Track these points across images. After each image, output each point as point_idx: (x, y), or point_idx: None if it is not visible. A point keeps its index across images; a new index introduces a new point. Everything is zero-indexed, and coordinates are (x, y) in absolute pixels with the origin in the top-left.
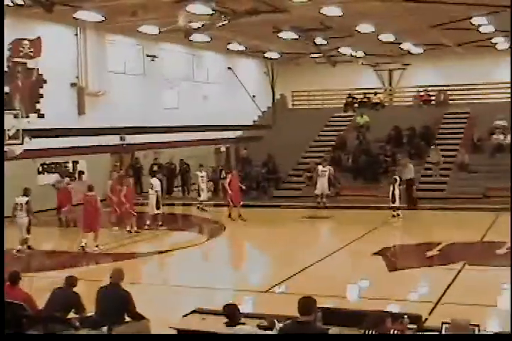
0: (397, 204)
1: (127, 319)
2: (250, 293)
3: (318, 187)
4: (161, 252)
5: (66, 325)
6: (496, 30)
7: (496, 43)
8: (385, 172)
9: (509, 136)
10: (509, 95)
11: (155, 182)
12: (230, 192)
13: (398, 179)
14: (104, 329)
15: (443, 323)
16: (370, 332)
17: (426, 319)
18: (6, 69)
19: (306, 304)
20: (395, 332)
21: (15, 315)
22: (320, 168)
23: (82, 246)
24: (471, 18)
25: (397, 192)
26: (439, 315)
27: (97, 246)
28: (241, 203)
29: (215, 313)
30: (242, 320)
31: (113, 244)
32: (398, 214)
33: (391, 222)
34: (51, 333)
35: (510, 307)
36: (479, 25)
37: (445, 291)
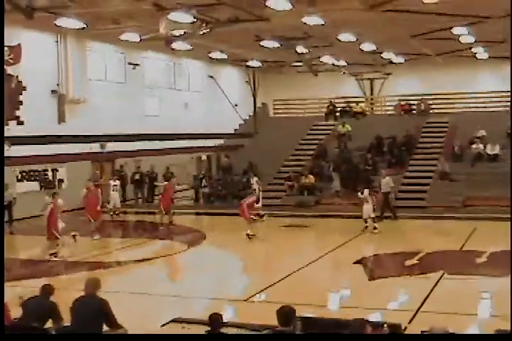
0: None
1: (105, 328)
2: (230, 301)
3: None
4: (140, 261)
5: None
6: (475, 41)
7: (476, 53)
8: (366, 182)
9: (488, 146)
10: (488, 104)
11: None
12: (167, 199)
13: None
14: None
15: (422, 332)
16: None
17: (405, 327)
18: None
19: (285, 313)
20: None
21: None
22: None
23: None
24: (451, 28)
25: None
26: (419, 323)
27: (51, 254)
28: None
29: (194, 322)
30: (222, 329)
31: (92, 252)
32: (374, 227)
33: (372, 232)
34: (51, 333)
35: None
36: (459, 35)
37: (424, 300)
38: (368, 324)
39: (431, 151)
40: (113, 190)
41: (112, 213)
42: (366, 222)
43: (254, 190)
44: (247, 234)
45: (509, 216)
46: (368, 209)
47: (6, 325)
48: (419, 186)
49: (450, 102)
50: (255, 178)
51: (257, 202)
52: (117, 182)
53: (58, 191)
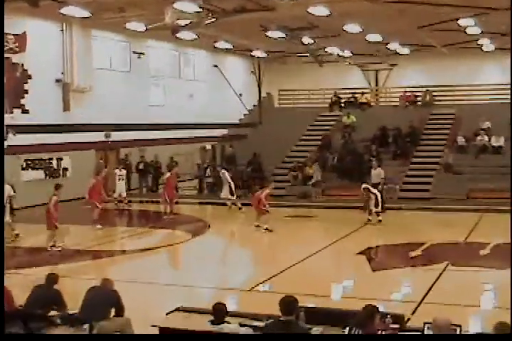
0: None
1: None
2: (234, 291)
3: None
4: (144, 250)
5: (46, 322)
6: (482, 32)
7: (482, 45)
8: (370, 173)
9: (493, 138)
10: (494, 97)
11: None
12: (171, 189)
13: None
14: (85, 326)
15: (425, 323)
16: (356, 330)
17: (408, 319)
18: None
19: (288, 303)
20: (382, 332)
21: None
22: None
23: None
24: (458, 19)
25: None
26: (422, 315)
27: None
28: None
29: (199, 311)
30: (226, 318)
31: (96, 241)
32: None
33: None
34: (50, 333)
35: (492, 306)
36: (466, 27)
37: (428, 291)
38: (377, 310)
39: (435, 143)
40: (119, 180)
41: (116, 202)
42: (369, 215)
43: (229, 182)
44: (266, 228)
45: None
46: (370, 202)
47: (9, 311)
48: (423, 178)
49: (455, 94)
50: (223, 170)
51: (231, 193)
52: (123, 172)
53: (63, 180)
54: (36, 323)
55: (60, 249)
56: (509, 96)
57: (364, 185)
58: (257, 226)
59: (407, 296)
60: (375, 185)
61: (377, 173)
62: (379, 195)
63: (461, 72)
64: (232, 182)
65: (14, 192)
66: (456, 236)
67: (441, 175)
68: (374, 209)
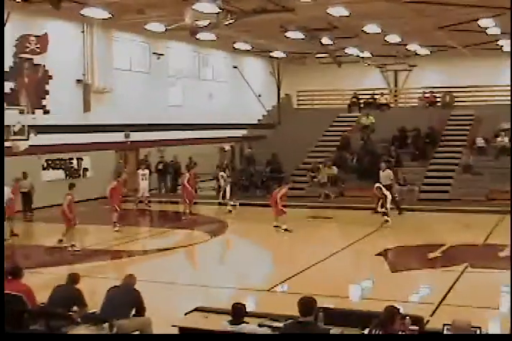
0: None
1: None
2: (252, 291)
3: None
4: (164, 250)
5: (67, 321)
6: (502, 33)
7: (502, 46)
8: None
9: None
10: None
11: None
12: (190, 189)
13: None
14: (105, 325)
15: (444, 325)
16: (376, 331)
17: (427, 321)
18: (12, 64)
19: (306, 304)
20: (401, 333)
21: (13, 306)
22: None
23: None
24: (477, 19)
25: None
26: (441, 316)
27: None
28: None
29: (217, 312)
30: (245, 318)
31: (116, 241)
32: (386, 220)
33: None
34: (51, 332)
35: (510, 308)
36: (486, 27)
37: (447, 293)
38: (399, 314)
39: (455, 144)
40: (142, 179)
41: (137, 202)
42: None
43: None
44: (285, 229)
45: None
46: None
47: (32, 309)
48: (443, 179)
49: (475, 95)
50: (221, 173)
51: (224, 196)
52: (146, 172)
53: (83, 180)
54: (57, 321)
55: (71, 248)
56: None
57: (377, 185)
58: (276, 226)
59: (426, 298)
60: (385, 187)
61: (385, 175)
62: (389, 197)
63: (480, 72)
64: (228, 186)
65: (34, 191)
66: (475, 237)
67: (461, 176)
68: (380, 210)
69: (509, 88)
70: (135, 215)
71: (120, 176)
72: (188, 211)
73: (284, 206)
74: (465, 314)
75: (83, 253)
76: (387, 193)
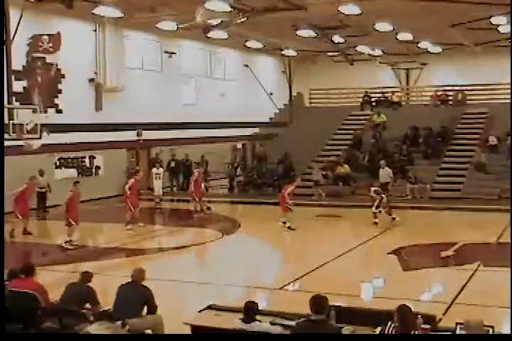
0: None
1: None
2: (264, 290)
3: None
4: (175, 248)
5: (80, 318)
6: None
7: None
8: (400, 172)
9: None
10: None
11: None
12: (201, 188)
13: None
14: (118, 323)
15: (457, 324)
16: (389, 330)
17: (440, 319)
18: (24, 63)
19: (319, 302)
20: (414, 332)
21: (26, 304)
22: None
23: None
24: (490, 17)
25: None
26: (453, 315)
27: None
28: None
29: (230, 310)
30: (257, 317)
31: (129, 239)
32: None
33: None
34: (64, 330)
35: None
36: (498, 25)
37: (459, 292)
38: (411, 313)
39: (467, 142)
40: (156, 178)
41: (158, 200)
42: (390, 215)
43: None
44: (288, 227)
45: None
46: (374, 203)
47: (46, 306)
48: (455, 177)
49: (487, 93)
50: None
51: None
52: (160, 170)
53: (96, 179)
54: (70, 319)
55: (65, 245)
56: None
57: (373, 189)
58: (284, 222)
59: (439, 296)
60: (384, 185)
61: (385, 173)
62: (385, 199)
63: (493, 70)
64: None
65: (50, 190)
66: (487, 236)
67: (473, 174)
68: (374, 210)
69: None
70: (147, 213)
71: (137, 174)
72: (199, 209)
73: (288, 204)
74: (478, 313)
75: (96, 251)
76: (383, 195)
